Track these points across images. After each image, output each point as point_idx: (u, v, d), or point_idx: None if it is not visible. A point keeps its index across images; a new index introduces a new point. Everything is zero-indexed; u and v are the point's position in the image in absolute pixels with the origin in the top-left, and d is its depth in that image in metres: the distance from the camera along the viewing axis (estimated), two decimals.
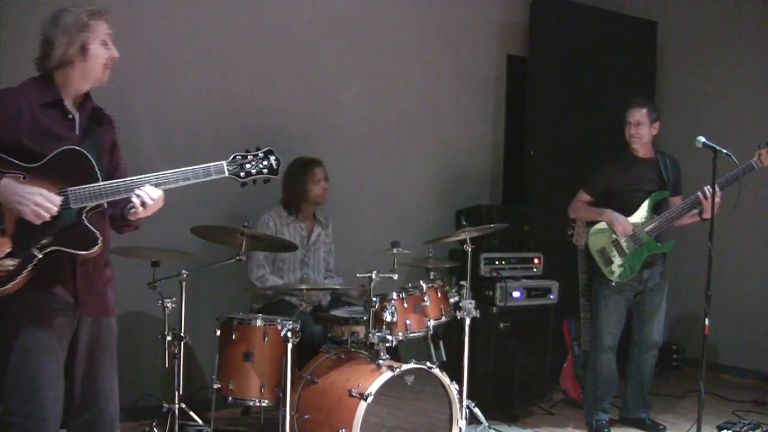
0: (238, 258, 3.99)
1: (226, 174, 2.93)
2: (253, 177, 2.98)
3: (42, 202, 2.66)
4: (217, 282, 4.91)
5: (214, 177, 2.93)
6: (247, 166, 2.97)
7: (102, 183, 2.78)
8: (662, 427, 4.97)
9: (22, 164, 2.74)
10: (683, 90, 6.92)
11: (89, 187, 2.76)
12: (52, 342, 2.80)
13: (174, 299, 4.06)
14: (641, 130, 4.73)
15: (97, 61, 2.86)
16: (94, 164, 2.78)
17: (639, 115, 4.73)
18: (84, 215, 2.77)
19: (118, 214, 2.97)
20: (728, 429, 4.57)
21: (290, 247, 4.44)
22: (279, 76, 5.35)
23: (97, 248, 2.78)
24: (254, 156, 2.98)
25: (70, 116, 2.87)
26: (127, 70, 4.77)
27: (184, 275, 4.07)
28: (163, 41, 4.92)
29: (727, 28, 6.62)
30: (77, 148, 2.78)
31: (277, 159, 3.02)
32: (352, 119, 5.68)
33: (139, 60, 4.82)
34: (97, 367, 2.94)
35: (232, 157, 2.95)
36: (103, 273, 2.96)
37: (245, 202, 5.09)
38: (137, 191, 2.83)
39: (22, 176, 2.73)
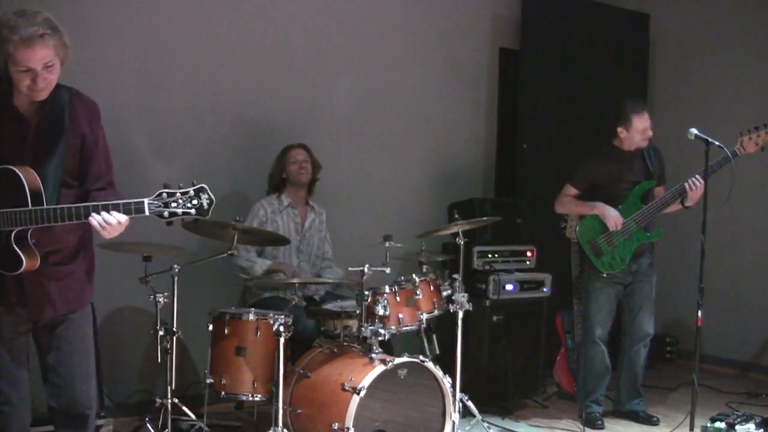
0: (230, 252, 3.97)
1: (147, 213, 2.66)
2: (178, 217, 2.67)
3: None
4: (209, 277, 4.89)
5: (134, 216, 2.70)
6: (173, 205, 2.66)
7: (27, 209, 2.73)
8: (656, 419, 4.98)
9: None
10: (675, 82, 6.92)
11: (14, 211, 2.74)
12: (7, 332, 2.91)
13: (166, 294, 4.04)
14: (650, 131, 4.76)
15: (18, 82, 2.72)
16: (26, 187, 2.73)
17: (649, 119, 4.74)
18: (11, 238, 2.75)
19: None
20: (721, 421, 4.56)
21: (282, 241, 4.43)
22: (270, 70, 5.32)
23: (20, 271, 2.78)
24: (183, 194, 2.66)
25: (23, 123, 2.81)
26: (117, 68, 4.77)
27: (176, 270, 4.06)
28: (152, 38, 4.89)
29: (720, 20, 6.61)
30: (11, 167, 2.74)
31: (209, 198, 2.68)
32: (344, 113, 5.66)
33: (128, 57, 4.79)
34: (61, 356, 3.01)
35: (157, 193, 2.67)
36: (59, 271, 2.94)
37: (237, 196, 5.09)
38: (94, 216, 2.69)
39: None
